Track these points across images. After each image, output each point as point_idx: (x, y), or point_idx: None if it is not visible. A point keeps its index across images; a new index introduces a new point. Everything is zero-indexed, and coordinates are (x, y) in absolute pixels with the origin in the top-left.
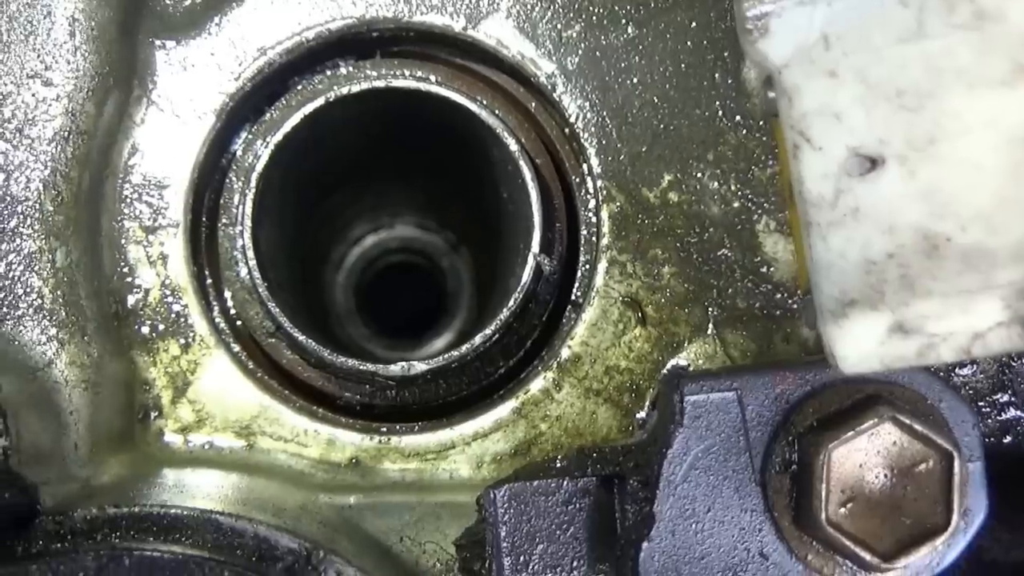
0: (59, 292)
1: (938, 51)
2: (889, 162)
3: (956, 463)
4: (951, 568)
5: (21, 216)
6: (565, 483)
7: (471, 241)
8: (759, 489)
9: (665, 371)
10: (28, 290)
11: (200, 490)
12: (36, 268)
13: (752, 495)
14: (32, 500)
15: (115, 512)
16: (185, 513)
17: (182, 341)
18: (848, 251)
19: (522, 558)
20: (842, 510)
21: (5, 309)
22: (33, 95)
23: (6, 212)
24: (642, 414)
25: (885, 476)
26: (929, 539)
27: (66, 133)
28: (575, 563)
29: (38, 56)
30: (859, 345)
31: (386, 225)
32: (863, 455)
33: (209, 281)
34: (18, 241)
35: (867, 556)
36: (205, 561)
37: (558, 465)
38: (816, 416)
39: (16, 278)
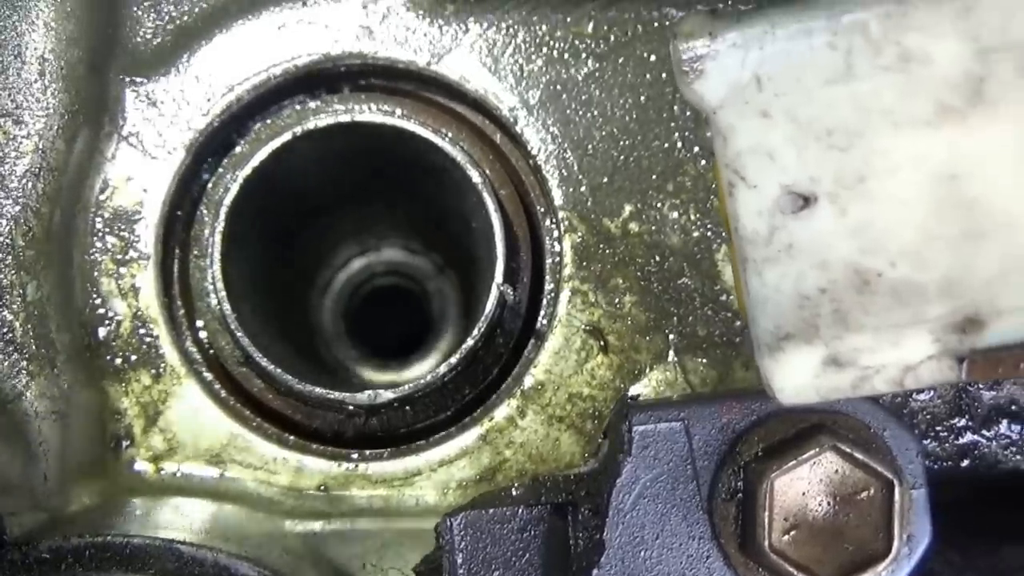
0: (29, 326)
1: (865, 92)
2: (820, 200)
3: (897, 491)
4: None
5: None
6: (520, 511)
7: (456, 264)
8: (706, 517)
9: (614, 402)
10: None
11: (165, 519)
12: (6, 302)
13: (700, 523)
14: (0, 531)
15: (78, 542)
16: (147, 543)
17: (153, 371)
18: (782, 286)
19: None
20: (785, 537)
21: None
22: (4, 133)
23: None
24: (593, 461)
25: (827, 504)
26: (871, 566)
27: (36, 170)
28: None
29: (8, 95)
30: (795, 377)
31: (372, 248)
32: (806, 483)
33: (181, 311)
34: None
35: None
36: None
37: (514, 493)
38: (761, 445)
39: None
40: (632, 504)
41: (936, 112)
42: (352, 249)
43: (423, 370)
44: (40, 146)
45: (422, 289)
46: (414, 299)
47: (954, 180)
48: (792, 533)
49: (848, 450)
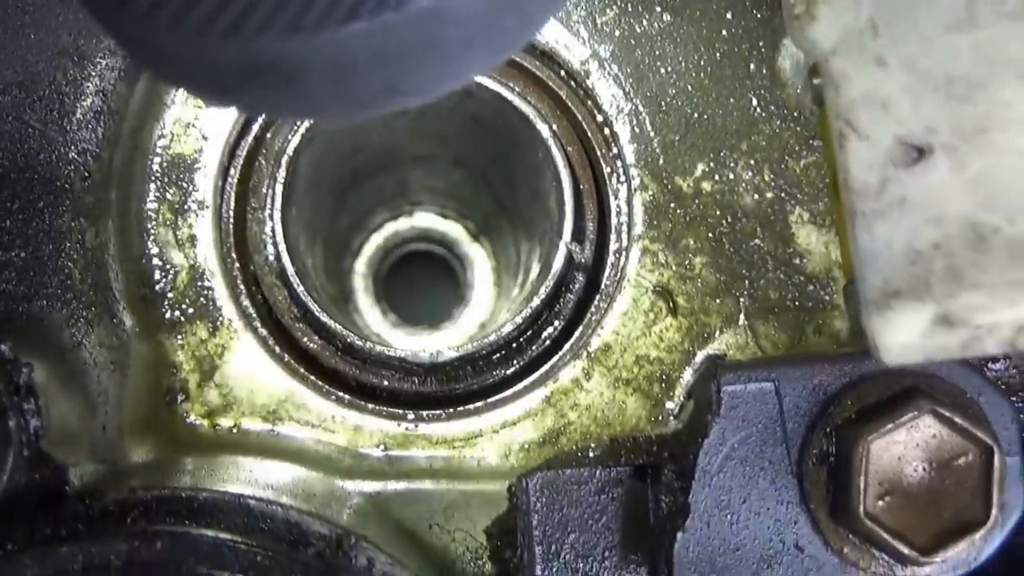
0: (88, 273)
1: (989, 41)
2: (937, 152)
3: (996, 457)
4: (986, 566)
5: (50, 196)
6: (598, 472)
7: (492, 231)
8: (795, 481)
9: (701, 360)
10: (57, 270)
11: (228, 473)
12: (65, 248)
13: (788, 487)
14: (61, 481)
15: (145, 495)
16: (216, 496)
17: (210, 324)
18: (893, 241)
19: (553, 547)
20: (880, 503)
21: (34, 289)
22: (64, 73)
23: (36, 191)
24: (672, 404)
25: (924, 469)
26: (967, 533)
27: (97, 112)
28: (607, 552)
29: (69, 33)
30: (902, 337)
31: (406, 213)
32: (902, 448)
33: (238, 264)
34: (48, 220)
35: (904, 550)
36: (237, 544)
37: (591, 455)
38: (855, 408)
39: (45, 258)
40: (719, 466)
41: None
42: (386, 213)
43: (454, 338)
44: (101, 87)
45: (456, 256)
46: (447, 266)
47: None
48: (887, 499)
49: (947, 414)
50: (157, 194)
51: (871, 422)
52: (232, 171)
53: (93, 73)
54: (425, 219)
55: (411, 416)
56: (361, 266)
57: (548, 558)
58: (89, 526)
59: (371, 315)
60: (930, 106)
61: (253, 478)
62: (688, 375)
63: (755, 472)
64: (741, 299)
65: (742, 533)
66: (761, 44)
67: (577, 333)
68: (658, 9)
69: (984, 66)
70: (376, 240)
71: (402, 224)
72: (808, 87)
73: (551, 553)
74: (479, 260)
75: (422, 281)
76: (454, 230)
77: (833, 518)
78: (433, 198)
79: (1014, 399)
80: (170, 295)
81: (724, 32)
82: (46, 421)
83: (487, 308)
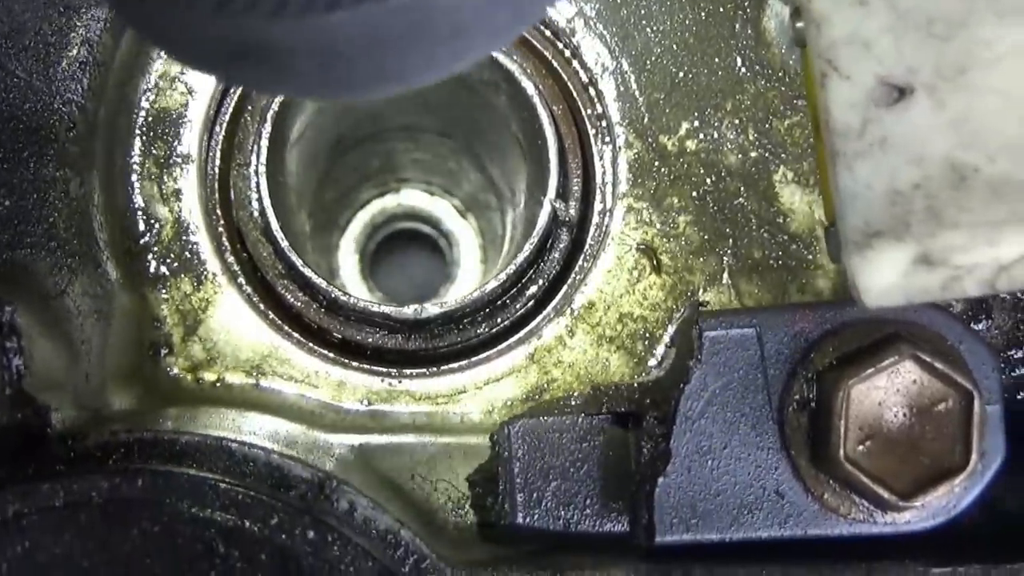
0: (72, 223)
1: None
2: (918, 92)
3: (976, 403)
4: (966, 514)
5: (35, 145)
6: (580, 420)
7: (479, 207)
8: (776, 427)
9: (684, 308)
10: (41, 219)
11: (211, 421)
12: (50, 198)
13: (769, 433)
14: (44, 422)
15: (127, 437)
16: (197, 439)
17: (194, 279)
18: (874, 182)
19: (535, 495)
20: (860, 448)
21: (18, 237)
22: (50, 23)
23: (21, 141)
24: (654, 361)
25: (904, 415)
26: (947, 479)
27: (83, 63)
28: (588, 500)
29: None
30: (883, 277)
31: (393, 190)
32: (882, 393)
33: (222, 220)
34: (32, 170)
35: (884, 494)
36: (219, 483)
37: (573, 403)
38: (836, 354)
39: (29, 207)
40: (700, 412)
41: None
42: (373, 190)
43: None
44: (87, 38)
45: (442, 233)
46: (432, 244)
47: None
48: (867, 443)
49: (928, 359)
50: (142, 147)
51: (852, 367)
52: (218, 127)
53: (79, 24)
54: (412, 196)
55: (394, 372)
56: (348, 243)
57: (530, 505)
58: (71, 467)
59: (358, 292)
60: (911, 45)
61: (236, 425)
62: (671, 332)
63: (736, 418)
64: (725, 257)
65: (723, 479)
66: (746, 4)
67: (561, 291)
68: None
69: (964, 4)
70: (363, 217)
71: (389, 201)
72: (793, 29)
73: (532, 500)
74: (466, 238)
75: (409, 259)
76: (441, 207)
77: (813, 464)
78: (419, 174)
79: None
80: (154, 249)
81: None
82: (29, 362)
83: (473, 285)
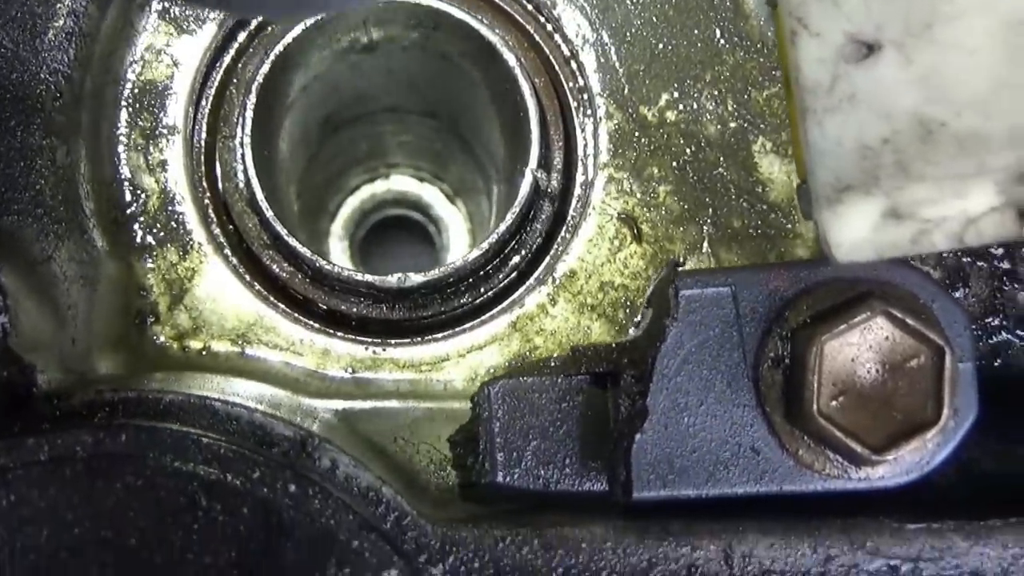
0: (59, 190)
1: None
2: (886, 48)
3: (947, 359)
4: (941, 475)
5: (22, 114)
6: (559, 380)
7: (467, 191)
8: (751, 384)
9: (662, 267)
10: (28, 186)
11: (196, 383)
12: (36, 165)
13: (744, 390)
14: (29, 381)
15: (112, 396)
16: (181, 398)
17: (180, 248)
18: (844, 137)
19: (515, 454)
20: (833, 403)
21: (4, 204)
22: None
23: (7, 110)
24: (635, 329)
25: (877, 371)
26: (919, 433)
27: (68, 33)
28: (567, 460)
29: None
30: (853, 231)
31: (382, 176)
32: (855, 349)
33: (208, 191)
34: (19, 138)
35: (858, 448)
36: (201, 437)
37: (552, 364)
38: (810, 312)
39: (16, 175)
40: (676, 370)
41: None
42: (363, 175)
43: None
44: (73, 9)
45: (431, 219)
46: (422, 230)
47: None
48: (840, 399)
49: (900, 315)
50: (128, 119)
51: (825, 324)
52: (204, 99)
53: None
54: (402, 182)
55: (379, 341)
56: (338, 228)
57: (509, 465)
58: (56, 424)
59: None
60: (879, 2)
61: (220, 390)
62: (649, 293)
63: (712, 375)
64: (704, 227)
65: (699, 435)
66: None
67: (544, 261)
68: None
69: None
70: (352, 202)
71: (379, 187)
72: None
73: (512, 460)
74: (455, 223)
75: (399, 245)
76: (430, 192)
77: (788, 420)
78: (408, 158)
79: (973, 327)
80: (141, 219)
81: None
82: (15, 321)
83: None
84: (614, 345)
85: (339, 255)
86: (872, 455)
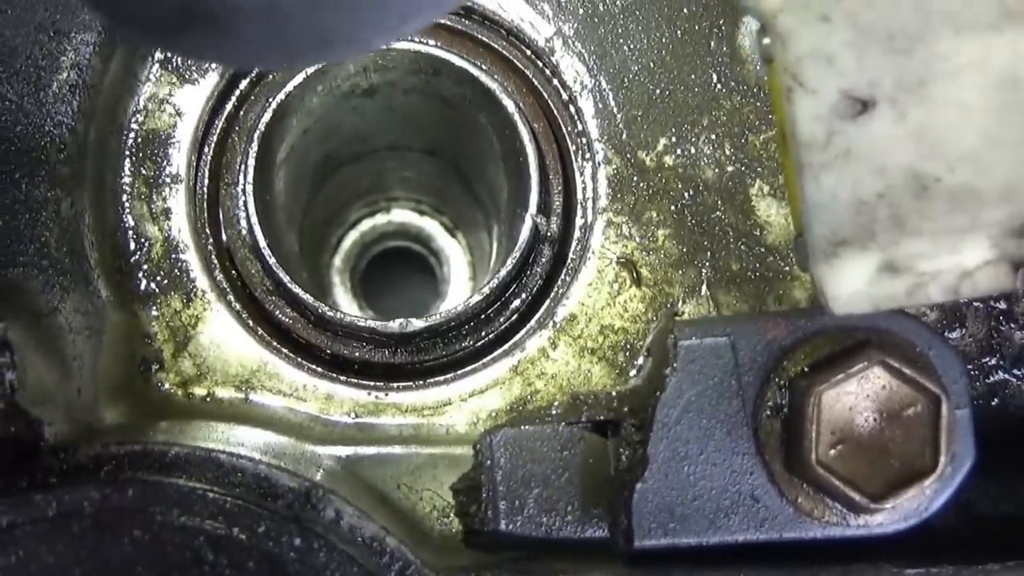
0: (64, 242)
1: None
2: (880, 104)
3: (944, 407)
4: (939, 518)
5: (27, 167)
6: (560, 429)
7: (467, 224)
8: (750, 433)
9: (647, 334)
10: (33, 238)
11: (201, 434)
12: (42, 218)
13: (744, 438)
14: (37, 435)
15: (118, 450)
16: (186, 451)
17: (184, 296)
18: (839, 192)
19: (517, 502)
20: (832, 452)
21: (10, 256)
22: (41, 47)
23: (12, 162)
24: (635, 372)
25: (874, 419)
26: (917, 481)
27: (73, 86)
28: (569, 507)
29: (45, 8)
30: (849, 284)
31: (383, 209)
32: (853, 398)
33: (211, 238)
34: (24, 190)
35: (856, 497)
36: (208, 492)
37: (554, 412)
38: (807, 361)
39: (21, 227)
40: (676, 419)
41: (1000, 15)
42: (363, 209)
43: None
44: (77, 62)
45: (432, 251)
46: (423, 261)
47: (1017, 84)
48: (839, 447)
49: (896, 365)
50: (132, 168)
51: (823, 373)
52: (206, 147)
53: (69, 48)
54: (402, 215)
55: (381, 385)
56: (339, 261)
57: (512, 512)
58: (63, 478)
59: (349, 311)
60: (873, 60)
61: (225, 439)
62: (648, 342)
63: (712, 424)
64: (703, 270)
65: (699, 484)
66: (721, 22)
67: (544, 305)
68: None
69: (923, 19)
70: (353, 236)
71: (379, 220)
72: (759, 46)
73: (515, 508)
74: (455, 256)
75: (399, 277)
76: (430, 226)
77: (787, 468)
78: (409, 192)
79: (970, 367)
80: (145, 267)
81: (685, 10)
82: (22, 376)
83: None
84: (615, 393)
85: (340, 288)
86: (870, 503)
